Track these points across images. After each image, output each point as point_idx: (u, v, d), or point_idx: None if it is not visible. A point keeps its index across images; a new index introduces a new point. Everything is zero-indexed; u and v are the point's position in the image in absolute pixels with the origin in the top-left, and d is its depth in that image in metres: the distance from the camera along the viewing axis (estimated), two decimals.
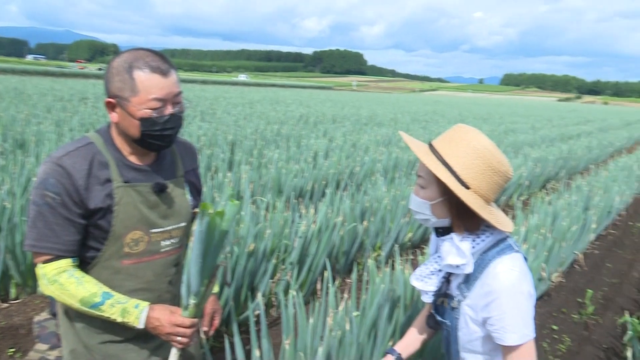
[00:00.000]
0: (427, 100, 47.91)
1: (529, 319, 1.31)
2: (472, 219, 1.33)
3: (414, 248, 5.20)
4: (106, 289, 1.48)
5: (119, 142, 1.56)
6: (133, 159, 1.57)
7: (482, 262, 1.35)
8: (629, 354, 3.17)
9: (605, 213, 5.83)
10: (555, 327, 3.81)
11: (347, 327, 1.98)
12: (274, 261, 3.37)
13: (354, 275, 2.70)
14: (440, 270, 1.47)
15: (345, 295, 2.44)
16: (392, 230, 4.70)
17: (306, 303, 3.70)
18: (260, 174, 5.50)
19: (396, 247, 3.59)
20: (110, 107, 1.50)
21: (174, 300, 1.70)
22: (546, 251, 3.98)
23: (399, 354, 1.64)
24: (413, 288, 2.62)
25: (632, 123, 28.51)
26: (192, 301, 1.40)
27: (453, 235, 1.38)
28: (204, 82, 62.34)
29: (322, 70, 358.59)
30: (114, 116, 1.51)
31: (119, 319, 1.46)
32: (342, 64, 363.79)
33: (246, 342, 3.30)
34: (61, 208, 1.44)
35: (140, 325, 1.46)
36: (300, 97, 30.64)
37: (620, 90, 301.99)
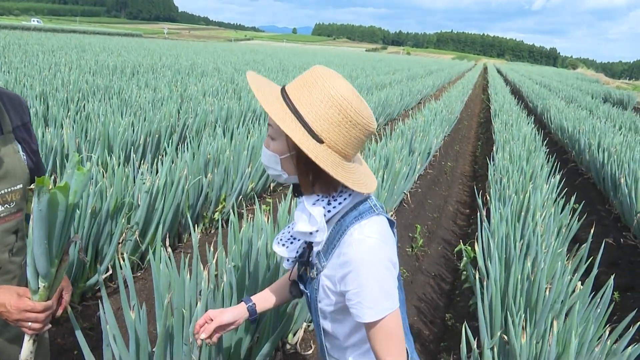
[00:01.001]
0: (245, 49, 47.54)
1: (390, 290, 1.18)
2: (326, 178, 1.16)
3: (258, 198, 5.30)
4: None
5: None
6: None
7: (339, 228, 1.20)
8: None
9: (425, 154, 6.54)
10: None
11: (225, 278, 1.98)
12: (122, 221, 3.17)
13: (220, 228, 2.67)
14: (296, 237, 1.34)
15: (211, 248, 2.41)
16: (235, 181, 4.71)
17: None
18: (86, 128, 5.03)
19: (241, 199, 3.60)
20: None
21: (23, 274, 1.52)
22: (386, 192, 4.36)
23: (254, 303, 1.51)
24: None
25: (434, 72, 31.80)
26: (42, 284, 1.27)
27: (304, 199, 1.22)
28: None
29: (128, 16, 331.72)
30: None
31: None
32: (150, 9, 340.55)
33: (95, 308, 3.14)
34: None
35: None
36: (109, 45, 28.13)
37: (419, 42, 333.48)
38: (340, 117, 1.12)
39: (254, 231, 2.47)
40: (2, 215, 1.44)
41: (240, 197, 4.81)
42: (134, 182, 3.66)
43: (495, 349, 2.03)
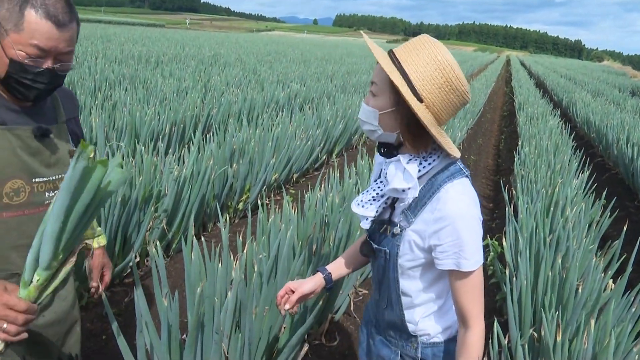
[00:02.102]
0: (267, 40, 47.55)
1: (481, 245, 1.26)
2: (422, 136, 1.24)
3: (279, 189, 5.31)
4: None
5: None
6: (9, 98, 1.38)
7: (431, 186, 1.27)
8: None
9: None
10: None
11: (256, 268, 1.99)
12: (152, 209, 3.20)
13: (249, 217, 2.68)
14: (382, 196, 1.38)
15: (240, 238, 2.42)
16: (259, 172, 4.72)
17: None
18: (114, 117, 5.08)
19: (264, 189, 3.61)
20: None
21: None
22: None
23: (329, 272, 1.58)
24: (304, 226, 2.71)
25: (459, 63, 31.44)
26: (35, 278, 1.10)
27: (400, 157, 1.29)
28: None
29: (152, 6, 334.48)
30: None
31: None
32: (173, 0, 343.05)
33: (122, 294, 3.18)
34: None
35: None
36: (133, 35, 28.40)
37: (441, 33, 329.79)
38: (443, 80, 1.20)
39: (283, 221, 2.47)
40: (51, 200, 1.48)
41: (264, 187, 4.82)
42: (162, 171, 3.69)
43: (526, 346, 2.00)
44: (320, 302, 2.22)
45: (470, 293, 1.27)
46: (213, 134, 5.00)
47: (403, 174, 1.26)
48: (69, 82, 7.00)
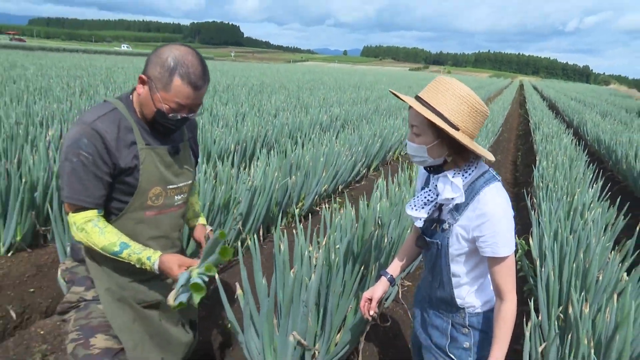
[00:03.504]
0: (304, 70, 48.20)
1: (513, 235, 1.45)
2: (464, 154, 1.44)
3: (328, 198, 5.54)
4: (125, 239, 1.55)
5: (139, 109, 1.63)
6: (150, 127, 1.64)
7: (471, 191, 1.46)
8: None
9: None
10: None
11: (333, 256, 2.22)
12: (234, 211, 3.47)
13: (325, 215, 2.90)
14: (431, 201, 1.57)
15: (314, 233, 2.65)
16: (313, 183, 4.96)
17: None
18: None
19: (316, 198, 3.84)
20: (141, 82, 1.57)
21: (181, 248, 1.86)
22: None
23: (391, 274, 1.81)
24: (363, 225, 2.92)
25: (474, 89, 31.20)
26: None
27: (446, 173, 1.48)
28: (85, 51, 56.65)
29: (201, 41, 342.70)
30: (139, 89, 1.58)
31: (138, 265, 1.56)
32: (220, 35, 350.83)
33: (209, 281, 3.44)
34: (92, 166, 1.50)
35: (155, 270, 1.55)
36: None
37: (458, 62, 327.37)
38: (469, 109, 1.40)
39: (347, 219, 2.71)
40: (178, 203, 1.75)
41: (316, 196, 5.06)
42: (237, 182, 3.97)
43: (555, 322, 2.17)
44: None
45: (505, 273, 1.47)
46: (272, 151, 5.28)
47: (451, 187, 1.46)
48: None
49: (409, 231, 2.88)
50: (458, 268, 1.57)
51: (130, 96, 1.66)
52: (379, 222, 2.96)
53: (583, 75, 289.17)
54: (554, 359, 1.78)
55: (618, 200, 3.94)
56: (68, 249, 2.51)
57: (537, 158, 6.86)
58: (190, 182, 1.80)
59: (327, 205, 5.42)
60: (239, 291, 2.12)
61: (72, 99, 7.59)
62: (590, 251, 2.61)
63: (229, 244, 3.45)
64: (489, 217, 1.42)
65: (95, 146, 1.50)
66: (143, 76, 1.55)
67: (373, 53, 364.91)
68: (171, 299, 1.43)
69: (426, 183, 1.66)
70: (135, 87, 1.68)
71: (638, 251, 2.78)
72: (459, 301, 1.61)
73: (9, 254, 3.34)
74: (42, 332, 2.68)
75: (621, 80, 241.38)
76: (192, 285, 1.42)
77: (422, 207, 1.59)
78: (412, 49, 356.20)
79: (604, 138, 9.62)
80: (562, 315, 2.36)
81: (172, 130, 1.65)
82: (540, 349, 1.84)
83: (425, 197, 1.60)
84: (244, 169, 4.69)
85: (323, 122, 8.31)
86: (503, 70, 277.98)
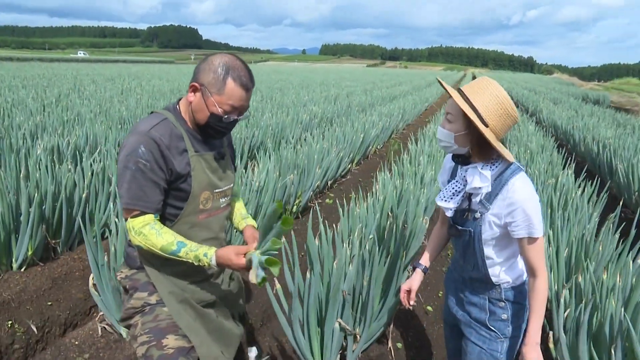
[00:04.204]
0: (268, 70, 47.92)
1: (541, 218, 1.55)
2: (487, 149, 1.53)
3: (320, 194, 5.64)
4: (180, 239, 1.60)
5: (187, 118, 1.68)
6: (197, 132, 1.70)
7: (500, 181, 1.55)
8: None
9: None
10: None
11: (367, 246, 2.32)
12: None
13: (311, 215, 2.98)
14: (460, 192, 1.66)
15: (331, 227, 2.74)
16: (308, 181, 5.05)
17: None
18: None
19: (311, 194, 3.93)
20: (193, 89, 1.63)
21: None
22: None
23: (425, 265, 1.93)
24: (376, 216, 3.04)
25: (431, 83, 31.88)
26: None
27: (477, 165, 1.57)
28: (40, 59, 53.69)
29: (160, 45, 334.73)
30: (191, 97, 1.64)
31: (195, 263, 1.61)
32: (178, 38, 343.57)
33: None
34: (150, 173, 1.56)
35: (213, 266, 1.60)
36: (152, 72, 28.67)
37: (413, 56, 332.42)
38: (502, 111, 1.50)
39: (368, 212, 2.82)
40: (224, 205, 1.82)
41: (312, 193, 5.15)
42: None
43: (566, 291, 2.34)
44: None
45: (537, 252, 1.59)
46: (266, 152, 5.33)
47: (480, 177, 1.56)
48: (120, 117, 7.30)
49: (421, 219, 3.01)
50: (491, 251, 1.68)
51: (177, 106, 1.71)
52: (394, 212, 3.08)
53: (528, 65, 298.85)
54: (586, 321, 1.91)
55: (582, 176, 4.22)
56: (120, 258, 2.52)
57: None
58: (232, 185, 1.87)
59: (318, 200, 5.53)
60: (277, 285, 2.20)
61: (50, 110, 7.38)
62: (576, 218, 2.81)
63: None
64: (519, 204, 1.52)
65: (152, 153, 1.55)
66: (195, 84, 1.61)
67: (331, 51, 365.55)
68: (253, 278, 1.48)
69: (452, 176, 1.76)
70: (181, 98, 1.73)
71: (624, 223, 3.02)
72: (494, 279, 1.72)
73: (22, 269, 3.27)
74: (76, 343, 2.67)
75: (562, 69, 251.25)
76: (267, 261, 1.46)
77: (451, 198, 1.69)
78: (368, 45, 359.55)
79: (561, 123, 10.10)
80: (566, 285, 2.55)
81: (223, 134, 1.70)
82: (564, 315, 2.00)
83: (453, 189, 1.69)
84: (244, 170, 4.71)
85: (304, 121, 8.38)
86: (455, 64, 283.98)
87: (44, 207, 3.42)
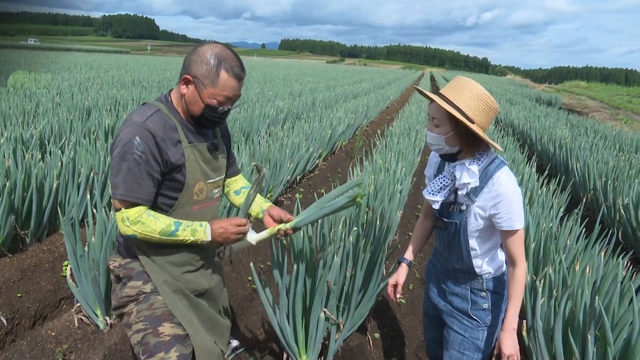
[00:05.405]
0: None
1: (523, 210, 1.65)
2: (477, 144, 1.63)
3: (290, 188, 5.67)
4: (175, 220, 1.64)
5: (180, 109, 1.69)
6: (190, 123, 1.72)
7: (485, 175, 1.64)
8: None
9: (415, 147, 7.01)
10: None
11: (352, 238, 2.38)
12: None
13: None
14: (447, 186, 1.74)
15: None
16: (280, 175, 5.06)
17: None
18: None
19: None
20: (185, 82, 1.63)
21: None
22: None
23: (409, 260, 2.01)
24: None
25: (392, 81, 32.37)
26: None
27: (464, 161, 1.66)
28: None
29: (114, 34, 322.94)
30: (183, 89, 1.64)
31: (192, 238, 1.65)
32: (134, 28, 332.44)
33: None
34: (146, 165, 1.57)
35: (208, 237, 1.66)
36: (108, 61, 27.69)
37: (372, 54, 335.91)
38: (484, 106, 1.60)
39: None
40: (216, 195, 1.84)
41: (283, 187, 5.17)
42: None
43: (540, 282, 2.47)
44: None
45: (517, 242, 1.68)
46: (238, 146, 5.29)
47: (468, 173, 1.65)
48: (88, 107, 7.06)
49: (396, 213, 3.10)
50: (475, 242, 1.76)
51: (169, 98, 1.71)
52: (371, 205, 3.16)
53: (482, 66, 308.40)
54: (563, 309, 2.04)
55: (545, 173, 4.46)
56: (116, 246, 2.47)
57: None
58: (223, 176, 1.88)
59: (288, 195, 5.55)
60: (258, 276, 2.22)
61: (9, 97, 7.04)
62: (546, 210, 2.99)
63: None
64: (503, 197, 1.61)
65: (147, 145, 1.55)
66: (188, 76, 1.61)
67: (291, 46, 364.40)
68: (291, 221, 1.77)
69: (438, 170, 1.84)
70: (173, 89, 1.73)
71: (587, 218, 3.22)
72: (477, 270, 1.81)
73: None
74: (53, 334, 2.61)
75: (514, 71, 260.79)
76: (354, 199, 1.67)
77: (439, 192, 1.76)
78: (328, 42, 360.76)
79: (519, 123, 10.53)
80: (535, 277, 2.70)
81: (217, 124, 1.71)
82: (540, 302, 2.13)
83: (441, 183, 1.78)
84: None
85: (271, 116, 8.35)
86: (412, 63, 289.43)
87: (12, 197, 3.29)
